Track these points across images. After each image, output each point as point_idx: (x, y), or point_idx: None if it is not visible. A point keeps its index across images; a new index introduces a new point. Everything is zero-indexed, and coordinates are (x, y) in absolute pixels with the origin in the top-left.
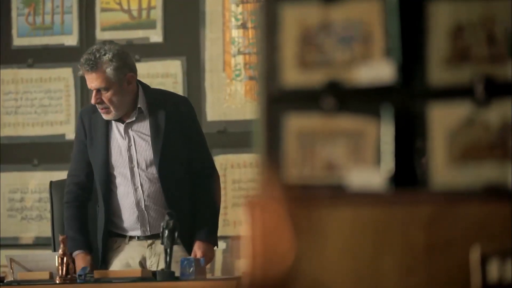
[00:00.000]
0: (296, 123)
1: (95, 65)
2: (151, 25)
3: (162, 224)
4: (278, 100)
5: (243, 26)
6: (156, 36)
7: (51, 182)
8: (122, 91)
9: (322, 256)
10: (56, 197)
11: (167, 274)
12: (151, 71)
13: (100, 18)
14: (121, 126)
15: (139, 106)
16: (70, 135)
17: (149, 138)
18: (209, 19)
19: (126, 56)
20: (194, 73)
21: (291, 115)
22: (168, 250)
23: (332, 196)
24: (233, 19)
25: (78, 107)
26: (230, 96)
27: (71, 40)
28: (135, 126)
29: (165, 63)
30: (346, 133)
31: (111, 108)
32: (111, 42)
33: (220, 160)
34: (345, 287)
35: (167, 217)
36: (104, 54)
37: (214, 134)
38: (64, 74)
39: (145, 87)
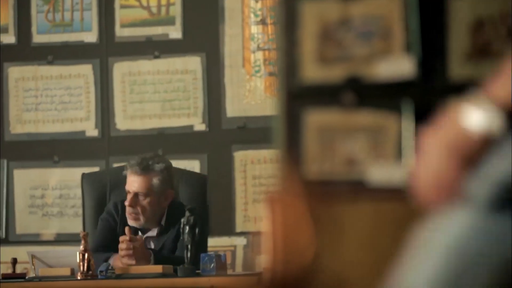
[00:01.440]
0: (316, 119)
1: (146, 169)
2: (170, 21)
3: (182, 220)
4: (298, 96)
5: (263, 22)
6: (175, 32)
7: (83, 174)
8: (158, 204)
9: (343, 251)
10: (87, 189)
11: (188, 270)
12: (170, 68)
13: (120, 14)
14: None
15: (162, 223)
16: (90, 131)
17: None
18: (228, 15)
19: (173, 174)
20: (213, 69)
21: (310, 110)
22: (189, 246)
23: (352, 192)
24: (252, 15)
25: (98, 104)
26: (249, 92)
27: (91, 37)
28: (152, 240)
29: (185, 59)
30: (366, 129)
31: (141, 216)
32: (163, 155)
33: (240, 156)
34: (365, 282)
35: (187, 213)
36: (157, 163)
37: (234, 130)
38: (84, 71)
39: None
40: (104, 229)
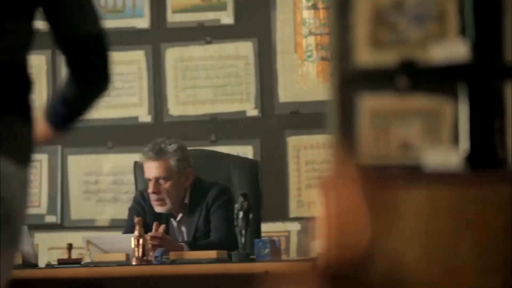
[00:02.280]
0: (370, 103)
1: (160, 153)
2: (222, 6)
3: (236, 205)
4: (351, 81)
5: (314, 7)
6: (227, 17)
7: (135, 162)
8: (180, 185)
9: (398, 237)
10: (140, 177)
11: (243, 256)
12: (222, 53)
13: (171, 0)
14: (174, 223)
15: (185, 202)
16: (143, 117)
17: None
18: (280, 0)
19: (188, 153)
20: (265, 54)
21: (364, 95)
22: (243, 232)
23: (407, 177)
24: (304, 0)
25: (150, 90)
26: (302, 77)
27: (143, 23)
28: (184, 225)
29: (237, 44)
30: (421, 113)
31: (167, 200)
32: (172, 137)
33: (293, 142)
34: (421, 268)
35: (241, 199)
36: (170, 145)
37: (286, 116)
38: (136, 57)
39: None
40: (133, 219)
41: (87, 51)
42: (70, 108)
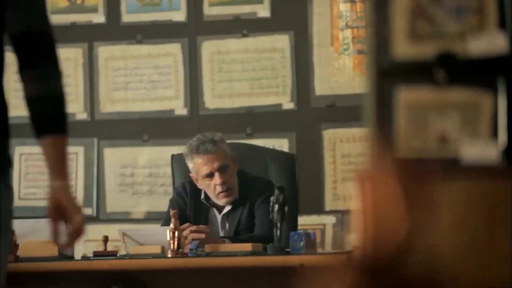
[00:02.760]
0: (408, 96)
1: (214, 144)
2: (258, 0)
3: (272, 198)
4: (389, 73)
5: (351, 0)
6: (263, 11)
7: (172, 156)
8: (234, 171)
9: (435, 230)
10: (178, 170)
11: (278, 248)
12: (258, 46)
13: None
14: (219, 216)
15: (236, 196)
16: (179, 110)
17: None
18: None
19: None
20: (302, 47)
21: (402, 88)
22: (279, 224)
23: (444, 170)
24: None
25: (186, 83)
26: (338, 70)
27: (179, 16)
28: (231, 216)
29: (273, 38)
30: (459, 106)
31: (235, 189)
32: (204, 131)
33: (329, 135)
34: (458, 262)
35: (277, 192)
36: (212, 136)
37: (322, 109)
38: (172, 50)
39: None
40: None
41: (27, 47)
42: (51, 106)
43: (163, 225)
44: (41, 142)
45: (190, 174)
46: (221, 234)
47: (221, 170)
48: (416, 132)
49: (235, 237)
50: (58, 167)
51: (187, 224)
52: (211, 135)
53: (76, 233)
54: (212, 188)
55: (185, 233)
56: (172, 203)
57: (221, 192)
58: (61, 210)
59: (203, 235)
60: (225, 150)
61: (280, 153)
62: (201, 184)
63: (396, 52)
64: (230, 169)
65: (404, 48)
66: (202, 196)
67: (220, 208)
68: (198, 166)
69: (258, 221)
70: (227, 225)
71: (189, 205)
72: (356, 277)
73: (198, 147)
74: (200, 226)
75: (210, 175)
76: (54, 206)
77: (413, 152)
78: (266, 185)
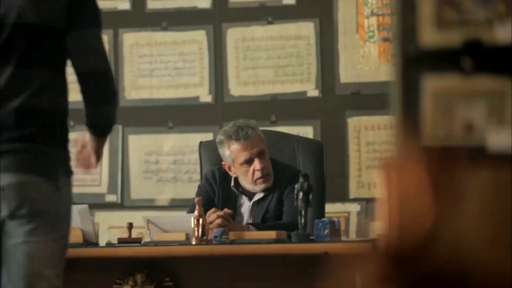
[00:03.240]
0: (434, 84)
1: (252, 130)
2: None
3: (296, 186)
4: (415, 61)
5: None
6: None
7: (200, 143)
8: (268, 158)
9: (461, 218)
10: (205, 157)
11: (302, 236)
12: (283, 34)
13: None
14: (249, 204)
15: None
16: (204, 97)
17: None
18: None
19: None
20: (327, 35)
21: (428, 76)
22: (303, 212)
23: (471, 158)
24: None
25: (211, 70)
26: (363, 58)
27: (204, 2)
28: (261, 204)
29: (298, 25)
30: (486, 94)
31: (270, 174)
32: (233, 119)
33: (354, 122)
34: (484, 251)
35: (301, 179)
36: (248, 121)
37: (347, 96)
38: (197, 37)
39: None
40: (202, 199)
41: (89, 84)
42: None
43: (189, 212)
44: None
45: (223, 162)
46: (250, 221)
47: (260, 155)
48: (442, 120)
49: (260, 224)
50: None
51: (213, 209)
52: (246, 121)
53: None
54: (250, 174)
55: (211, 218)
56: (200, 190)
57: (260, 177)
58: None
59: (227, 222)
60: (261, 135)
61: (309, 140)
62: (237, 171)
63: (422, 40)
64: (266, 155)
65: (430, 36)
66: (232, 183)
67: (250, 196)
68: (236, 152)
69: (286, 209)
70: (256, 212)
71: (217, 192)
72: (381, 266)
73: (237, 133)
74: (225, 210)
75: (249, 161)
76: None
77: (439, 140)
78: (296, 174)
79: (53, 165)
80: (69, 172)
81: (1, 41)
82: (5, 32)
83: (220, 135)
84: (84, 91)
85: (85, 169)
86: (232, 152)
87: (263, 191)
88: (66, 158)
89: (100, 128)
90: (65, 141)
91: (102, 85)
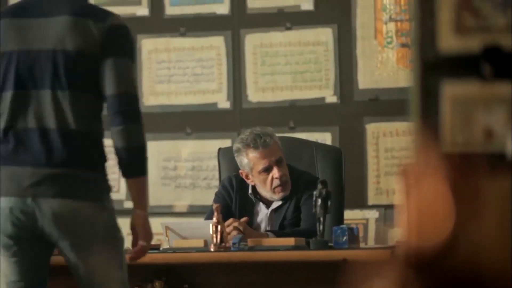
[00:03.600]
0: (453, 90)
1: (269, 138)
2: None
3: (315, 192)
4: (434, 67)
5: None
6: (307, 3)
7: (219, 149)
8: (286, 165)
9: (481, 225)
10: (224, 164)
11: (321, 243)
12: (302, 39)
13: None
14: (267, 211)
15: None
16: (222, 103)
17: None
18: None
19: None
20: (345, 40)
21: (447, 82)
22: (321, 219)
23: (490, 164)
24: None
25: (230, 76)
26: (381, 64)
27: (223, 8)
28: (279, 211)
29: (316, 31)
30: (505, 100)
31: (287, 182)
32: (250, 127)
33: (372, 128)
34: (504, 259)
35: (320, 186)
36: (265, 131)
37: (365, 102)
38: (216, 43)
39: None
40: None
41: (114, 105)
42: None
43: (206, 218)
44: (127, 181)
45: (240, 171)
46: (268, 229)
47: (279, 163)
48: (461, 127)
49: (279, 231)
50: (139, 199)
51: (230, 220)
52: (263, 129)
53: (136, 253)
54: (269, 182)
55: (228, 229)
56: (217, 197)
57: (279, 185)
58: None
59: (236, 232)
60: (278, 143)
61: (327, 147)
62: (255, 179)
63: (442, 46)
64: (284, 163)
65: (449, 42)
66: (250, 191)
67: (268, 203)
68: (255, 160)
69: (304, 216)
70: (274, 220)
71: (234, 199)
72: (400, 273)
73: (255, 140)
74: (243, 219)
75: (268, 169)
76: (133, 227)
77: (458, 146)
78: (313, 180)
79: (97, 187)
80: (109, 190)
81: (44, 67)
82: (47, 58)
83: (238, 143)
84: (111, 113)
85: (140, 255)
86: (250, 160)
87: (281, 199)
88: (106, 177)
89: (129, 159)
90: (103, 161)
91: (127, 105)
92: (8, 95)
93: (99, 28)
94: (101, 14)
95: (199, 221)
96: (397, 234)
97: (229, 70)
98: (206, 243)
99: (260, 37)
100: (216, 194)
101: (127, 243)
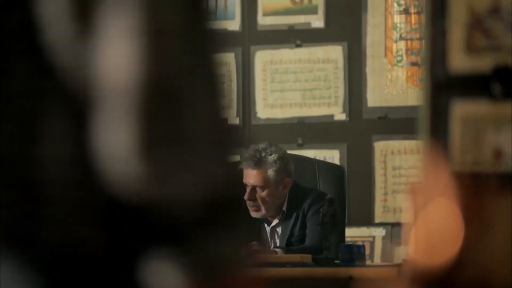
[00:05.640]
0: (463, 109)
1: (259, 163)
2: (312, 10)
3: (321, 210)
4: (444, 86)
5: (406, 11)
6: (317, 21)
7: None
8: (277, 193)
9: (489, 245)
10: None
11: (327, 260)
12: (312, 57)
13: (262, 3)
14: (268, 228)
15: (283, 209)
16: (231, 120)
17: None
18: (371, 4)
19: (288, 162)
20: (355, 58)
21: (457, 101)
22: (328, 236)
23: (500, 184)
24: (395, 4)
25: (239, 92)
26: (391, 82)
27: (234, 25)
28: (278, 229)
29: (326, 48)
30: None
31: (262, 207)
32: (276, 144)
33: (381, 147)
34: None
35: (326, 203)
36: (270, 155)
37: (374, 120)
38: (226, 59)
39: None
40: None
41: None
42: None
43: None
44: None
45: None
46: (271, 245)
47: (253, 187)
48: (470, 146)
49: (287, 248)
50: None
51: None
52: (269, 152)
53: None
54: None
55: None
56: None
57: (249, 206)
58: None
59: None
60: (268, 173)
61: (330, 165)
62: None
63: (452, 65)
64: (267, 191)
65: (460, 61)
66: None
67: (268, 220)
68: (244, 174)
69: (309, 231)
70: (276, 237)
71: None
72: None
73: (248, 158)
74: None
75: (246, 187)
76: None
77: (467, 166)
78: (318, 196)
79: None
80: None
81: None
82: None
83: (240, 157)
84: None
85: None
86: (243, 172)
87: (279, 217)
88: None
89: None
90: None
91: None
92: None
93: None
94: None
95: None
96: (404, 252)
97: (238, 86)
98: None
99: (270, 53)
100: None
101: None
